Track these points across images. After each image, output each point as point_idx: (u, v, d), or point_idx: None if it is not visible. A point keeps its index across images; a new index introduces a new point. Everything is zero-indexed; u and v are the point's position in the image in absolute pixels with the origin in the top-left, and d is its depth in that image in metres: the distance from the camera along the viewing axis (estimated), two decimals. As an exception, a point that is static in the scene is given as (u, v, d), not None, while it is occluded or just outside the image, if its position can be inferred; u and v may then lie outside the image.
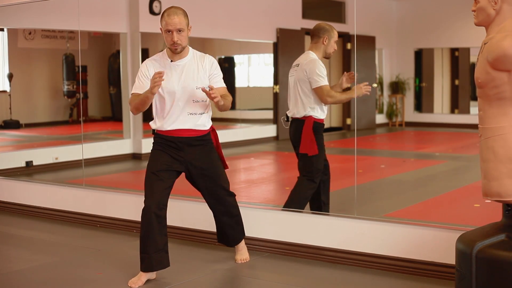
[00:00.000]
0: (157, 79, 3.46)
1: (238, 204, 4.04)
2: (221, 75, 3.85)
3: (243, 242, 4.14)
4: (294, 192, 4.49)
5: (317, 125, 4.42)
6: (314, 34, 4.50)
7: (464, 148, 9.80)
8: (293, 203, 4.43)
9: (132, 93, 3.76)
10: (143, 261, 3.70)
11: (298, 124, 4.45)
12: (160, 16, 3.78)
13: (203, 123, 3.81)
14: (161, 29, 3.72)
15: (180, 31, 3.66)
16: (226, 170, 3.98)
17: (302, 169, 4.48)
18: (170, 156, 3.76)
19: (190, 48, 3.82)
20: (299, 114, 4.45)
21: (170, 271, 3.81)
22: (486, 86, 2.79)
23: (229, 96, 3.80)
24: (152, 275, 3.75)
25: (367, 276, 3.84)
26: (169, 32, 3.66)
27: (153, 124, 3.83)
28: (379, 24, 12.48)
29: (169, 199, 3.77)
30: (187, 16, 3.74)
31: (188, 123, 3.75)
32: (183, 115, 3.73)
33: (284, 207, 4.48)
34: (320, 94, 4.36)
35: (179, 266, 4.01)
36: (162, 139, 3.79)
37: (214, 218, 4.05)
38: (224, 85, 3.85)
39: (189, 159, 3.78)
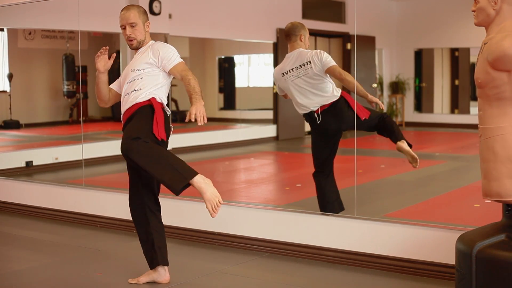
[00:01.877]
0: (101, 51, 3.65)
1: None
2: (174, 53, 3.63)
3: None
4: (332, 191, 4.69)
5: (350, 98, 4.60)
6: (291, 33, 4.62)
7: (464, 148, 9.80)
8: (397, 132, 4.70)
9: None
10: (165, 261, 3.69)
11: (336, 106, 4.55)
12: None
13: (140, 96, 3.59)
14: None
15: (133, 25, 3.66)
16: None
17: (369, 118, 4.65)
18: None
19: (152, 40, 3.76)
20: (328, 100, 4.55)
21: (170, 271, 3.81)
22: (486, 86, 2.79)
23: (192, 78, 3.48)
24: (158, 277, 3.70)
25: (367, 276, 3.84)
26: (123, 28, 3.71)
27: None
28: (379, 24, 12.49)
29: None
30: (144, 13, 3.75)
31: (128, 103, 3.63)
32: (126, 97, 3.66)
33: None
34: (337, 72, 4.47)
35: (179, 266, 4.01)
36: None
37: None
38: (179, 61, 3.61)
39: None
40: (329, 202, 4.62)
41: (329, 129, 4.60)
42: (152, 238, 3.63)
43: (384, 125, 4.67)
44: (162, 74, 3.66)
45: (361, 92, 4.54)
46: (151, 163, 3.34)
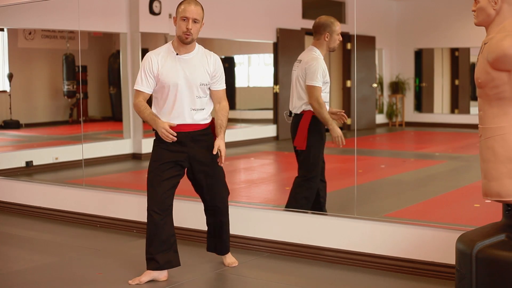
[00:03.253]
0: (169, 137, 3.61)
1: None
2: (223, 76, 3.84)
3: None
4: (291, 194, 4.49)
5: (316, 120, 4.38)
6: (315, 31, 4.50)
7: (464, 148, 9.80)
8: (291, 205, 4.43)
9: (136, 90, 3.73)
10: (148, 262, 3.72)
11: (296, 118, 4.45)
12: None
13: (205, 117, 3.79)
14: (174, 18, 3.68)
15: (195, 21, 3.63)
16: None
17: (300, 167, 4.48)
18: (174, 152, 3.71)
19: (196, 43, 3.78)
20: (298, 110, 4.44)
21: (170, 271, 3.81)
22: (486, 86, 2.78)
23: (226, 107, 3.82)
24: (159, 275, 3.73)
25: (367, 276, 3.84)
26: (184, 20, 3.62)
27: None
28: (379, 24, 12.48)
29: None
30: (204, 11, 3.72)
31: (190, 119, 3.72)
32: (186, 110, 3.70)
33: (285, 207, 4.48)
34: (310, 93, 4.33)
35: (179, 266, 4.00)
36: None
37: (208, 220, 3.96)
38: (224, 86, 3.85)
39: (192, 154, 3.73)
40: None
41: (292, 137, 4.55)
42: (175, 240, 3.79)
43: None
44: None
45: (326, 117, 4.36)
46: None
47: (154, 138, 3.79)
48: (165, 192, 3.69)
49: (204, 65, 3.73)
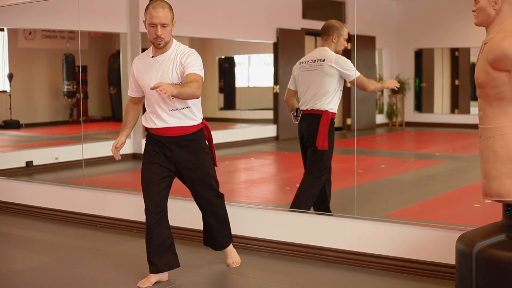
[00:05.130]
0: (115, 153, 3.81)
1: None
2: (197, 63, 3.60)
3: (231, 245, 4.06)
4: (301, 190, 4.49)
5: (333, 120, 4.48)
6: (324, 32, 4.57)
7: (464, 148, 9.80)
8: (300, 201, 4.44)
9: (129, 95, 3.86)
10: (149, 264, 3.72)
11: (314, 118, 4.46)
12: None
13: (188, 119, 3.68)
14: (144, 22, 3.63)
15: (164, 26, 3.54)
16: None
17: (310, 165, 4.49)
18: (162, 155, 3.70)
19: (174, 41, 3.69)
20: (317, 107, 4.46)
21: (170, 271, 3.81)
22: (486, 86, 2.79)
23: (195, 82, 3.46)
24: (163, 276, 3.74)
25: (367, 276, 3.84)
26: (153, 26, 3.55)
27: (143, 121, 3.79)
28: (379, 24, 12.48)
29: (169, 199, 3.76)
30: (172, 10, 3.61)
31: (172, 121, 3.65)
32: (165, 112, 3.63)
33: (291, 206, 4.48)
34: (361, 83, 4.43)
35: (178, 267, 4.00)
36: (152, 138, 3.74)
37: (202, 219, 3.99)
38: (196, 71, 3.56)
39: (178, 159, 3.70)
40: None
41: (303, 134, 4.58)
42: (172, 241, 3.78)
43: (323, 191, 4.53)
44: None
45: (380, 87, 4.67)
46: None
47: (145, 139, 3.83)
48: (158, 194, 3.67)
49: (176, 64, 3.61)
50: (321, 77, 4.46)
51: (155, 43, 3.60)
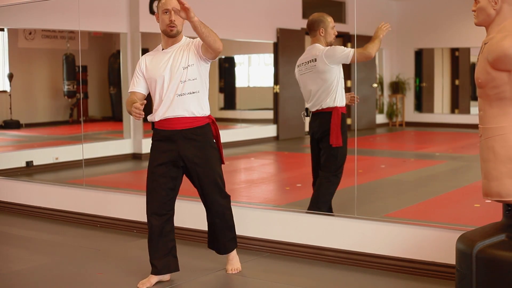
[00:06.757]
0: (137, 113, 3.42)
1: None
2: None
3: (235, 251, 3.96)
4: (318, 190, 4.47)
5: (344, 116, 4.49)
6: (310, 29, 4.57)
7: (464, 148, 9.79)
8: (319, 201, 4.41)
9: (129, 91, 3.74)
10: (151, 265, 3.72)
11: (325, 115, 4.46)
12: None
13: (196, 107, 3.64)
14: (156, 14, 3.63)
15: (177, 13, 3.47)
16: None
17: (326, 163, 4.46)
18: (166, 152, 3.64)
19: (185, 36, 3.72)
20: (326, 106, 4.46)
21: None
22: (486, 86, 2.79)
23: (217, 36, 3.48)
24: (164, 277, 3.74)
25: (367, 276, 3.84)
26: (167, 12, 3.56)
27: (149, 119, 3.73)
28: (379, 24, 12.47)
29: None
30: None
31: (178, 108, 3.59)
32: (173, 97, 3.58)
33: (309, 207, 4.43)
34: (360, 56, 4.46)
35: (179, 266, 4.00)
36: (158, 135, 3.69)
37: (207, 217, 3.89)
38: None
39: (184, 153, 3.63)
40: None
41: (314, 133, 4.57)
42: (174, 245, 3.77)
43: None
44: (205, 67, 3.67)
45: (378, 44, 4.70)
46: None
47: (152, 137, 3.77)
48: (163, 197, 3.65)
49: (190, 49, 3.62)
50: (319, 77, 4.46)
51: (167, 30, 3.60)
